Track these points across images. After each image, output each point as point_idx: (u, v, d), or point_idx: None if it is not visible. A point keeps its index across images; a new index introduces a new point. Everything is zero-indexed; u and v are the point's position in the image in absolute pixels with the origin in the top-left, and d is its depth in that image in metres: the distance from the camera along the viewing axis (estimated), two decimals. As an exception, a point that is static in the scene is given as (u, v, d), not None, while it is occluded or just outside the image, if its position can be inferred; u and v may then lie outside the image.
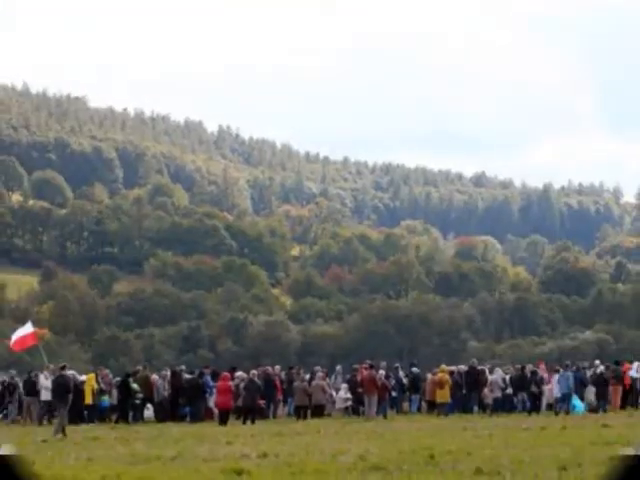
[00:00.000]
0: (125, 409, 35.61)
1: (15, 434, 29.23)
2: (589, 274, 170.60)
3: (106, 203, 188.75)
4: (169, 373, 37.41)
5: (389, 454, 18.80)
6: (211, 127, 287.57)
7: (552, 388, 36.30)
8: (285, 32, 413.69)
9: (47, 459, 19.81)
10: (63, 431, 27.06)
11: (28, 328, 38.35)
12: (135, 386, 35.59)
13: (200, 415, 35.21)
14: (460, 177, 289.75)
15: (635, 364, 39.25)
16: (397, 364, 42.47)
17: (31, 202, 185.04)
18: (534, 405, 36.16)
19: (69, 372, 30.67)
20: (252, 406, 33.34)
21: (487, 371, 38.71)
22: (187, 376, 36.97)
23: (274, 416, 36.50)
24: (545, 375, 38.10)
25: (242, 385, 34.13)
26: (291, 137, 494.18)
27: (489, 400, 36.77)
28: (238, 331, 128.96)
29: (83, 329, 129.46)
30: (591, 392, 36.48)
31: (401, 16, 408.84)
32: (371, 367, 36.20)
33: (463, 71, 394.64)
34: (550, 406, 36.68)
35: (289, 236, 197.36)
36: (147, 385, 36.17)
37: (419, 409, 38.58)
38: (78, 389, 33.24)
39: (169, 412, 36.02)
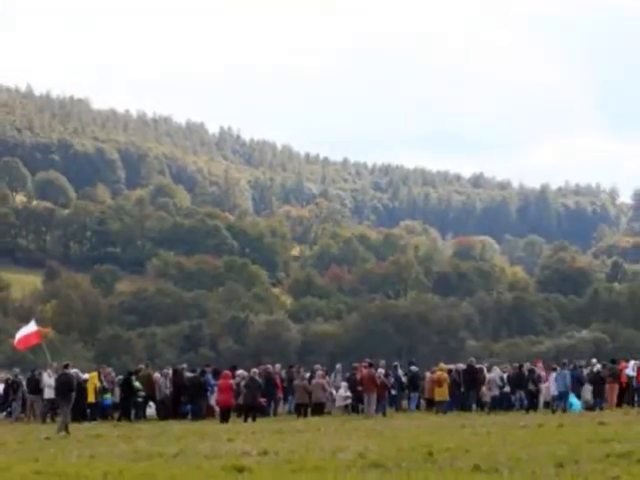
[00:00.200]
0: (127, 407, 35.61)
1: (19, 431, 29.24)
2: (586, 274, 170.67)
3: (109, 203, 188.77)
4: (171, 371, 37.42)
5: (388, 451, 18.81)
6: (212, 128, 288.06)
7: (549, 386, 36.31)
8: (285, 32, 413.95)
9: (50, 456, 19.82)
10: (66, 429, 27.05)
11: (32, 327, 38.30)
12: (137, 384, 35.58)
13: (201, 413, 35.22)
14: (458, 178, 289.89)
15: (631, 362, 39.25)
16: (396, 363, 42.47)
17: (35, 202, 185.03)
18: (531, 403, 36.18)
19: (72, 370, 30.68)
20: (253, 404, 33.35)
21: (485, 369, 38.72)
22: (189, 374, 36.96)
23: (275, 414, 36.50)
24: (542, 373, 38.12)
25: (243, 383, 34.14)
26: (291, 138, 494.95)
27: (487, 398, 36.77)
28: (239, 330, 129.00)
29: (86, 328, 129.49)
30: (588, 390, 36.47)
31: (401, 16, 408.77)
32: (370, 365, 36.20)
33: (461, 72, 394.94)
34: (547, 404, 36.70)
35: (289, 236, 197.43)
36: (149, 383, 36.17)
37: (418, 407, 38.57)
38: (81, 387, 33.22)
39: (171, 410, 36.03)
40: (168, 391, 36.31)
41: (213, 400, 35.40)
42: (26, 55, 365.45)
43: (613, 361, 39.66)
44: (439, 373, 36.50)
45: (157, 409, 36.67)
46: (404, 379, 39.05)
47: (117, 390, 36.32)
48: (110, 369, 39.92)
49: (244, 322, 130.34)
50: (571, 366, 37.86)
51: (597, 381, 36.39)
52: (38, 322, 43.53)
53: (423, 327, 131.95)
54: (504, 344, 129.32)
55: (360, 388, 35.71)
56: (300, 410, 35.37)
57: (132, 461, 18.46)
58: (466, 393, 37.67)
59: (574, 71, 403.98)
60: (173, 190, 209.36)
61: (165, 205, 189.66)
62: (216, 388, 34.82)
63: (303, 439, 23.04)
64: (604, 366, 38.13)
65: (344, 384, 37.44)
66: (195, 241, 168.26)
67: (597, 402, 35.80)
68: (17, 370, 41.58)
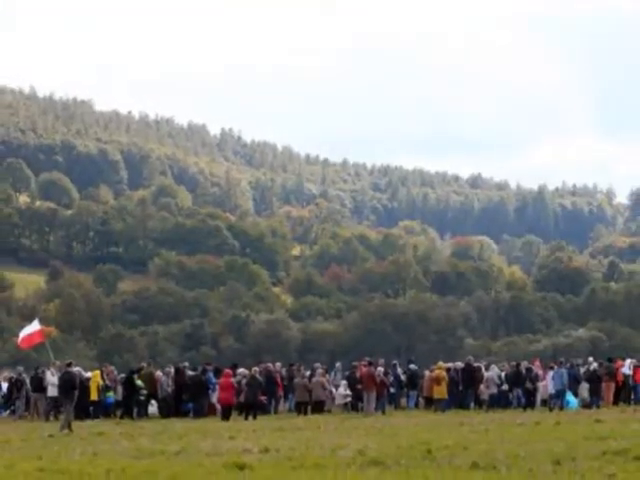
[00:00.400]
0: (130, 405, 35.61)
1: (22, 429, 29.25)
2: (583, 273, 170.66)
3: (111, 204, 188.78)
4: (173, 370, 37.41)
5: (387, 449, 18.81)
6: (214, 130, 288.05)
7: (546, 384, 36.30)
8: (285, 32, 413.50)
9: (54, 454, 19.82)
10: (69, 426, 27.05)
11: (35, 326, 38.31)
12: (139, 383, 35.58)
13: (203, 411, 35.22)
14: (457, 178, 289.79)
15: (627, 361, 39.29)
16: (395, 361, 42.45)
17: (38, 203, 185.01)
18: (529, 401, 36.17)
19: (75, 369, 30.65)
20: (254, 402, 33.35)
21: (483, 368, 38.71)
22: (190, 373, 36.96)
23: (275, 412, 36.50)
24: (540, 372, 38.11)
25: (244, 381, 34.14)
26: (292, 139, 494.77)
27: (485, 396, 36.78)
28: (240, 329, 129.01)
29: (89, 327, 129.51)
30: (584, 388, 36.47)
31: (401, 16, 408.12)
32: (370, 364, 36.20)
33: (460, 73, 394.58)
34: (544, 402, 36.69)
35: (290, 236, 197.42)
36: (151, 382, 36.17)
37: (417, 405, 38.58)
38: (84, 385, 33.22)
39: (173, 408, 36.04)
40: (170, 389, 36.31)
41: (214, 398, 35.41)
42: (29, 57, 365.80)
43: (610, 360, 39.68)
44: (438, 371, 36.50)
45: (159, 407, 36.66)
46: (403, 377, 39.06)
47: (119, 388, 36.32)
48: (112, 367, 39.93)
49: (245, 321, 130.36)
50: (568, 364, 37.85)
51: (594, 379, 36.39)
52: (41, 321, 43.62)
53: (422, 326, 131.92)
54: (502, 343, 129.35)
55: (360, 386, 35.71)
56: (300, 408, 35.38)
57: (134, 458, 18.47)
58: (464, 391, 37.67)
59: (571, 73, 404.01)
60: (175, 191, 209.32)
61: (167, 205, 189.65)
62: (217, 386, 34.82)
63: (303, 437, 23.05)
64: (601, 364, 38.13)
65: (344, 382, 37.46)
66: (197, 241, 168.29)
67: (594, 400, 35.80)
68: (21, 369, 41.57)
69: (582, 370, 38.00)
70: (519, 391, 36.52)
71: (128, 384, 35.65)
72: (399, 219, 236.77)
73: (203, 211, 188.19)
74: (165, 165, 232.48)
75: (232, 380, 33.96)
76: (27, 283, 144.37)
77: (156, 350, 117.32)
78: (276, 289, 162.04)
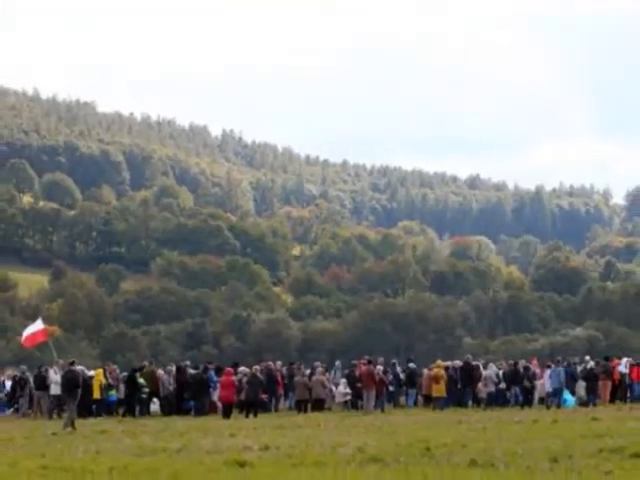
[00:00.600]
0: (132, 403, 35.61)
1: (26, 427, 29.25)
2: (580, 273, 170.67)
3: (114, 204, 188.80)
4: (174, 368, 37.41)
5: (386, 446, 18.81)
6: (215, 131, 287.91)
7: (544, 383, 36.30)
8: (285, 33, 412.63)
9: (57, 451, 19.83)
10: (72, 424, 27.04)
11: (38, 325, 38.33)
12: (142, 381, 35.59)
13: (204, 409, 35.21)
14: (455, 179, 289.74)
15: (624, 360, 39.31)
16: (394, 360, 42.42)
17: (41, 203, 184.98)
18: (526, 399, 36.16)
19: (78, 367, 30.65)
20: (254, 400, 33.35)
21: (481, 366, 38.69)
22: (192, 371, 36.96)
23: (276, 410, 36.50)
24: (537, 370, 38.11)
25: (245, 380, 34.14)
26: (292, 140, 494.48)
27: (483, 394, 36.76)
28: (241, 328, 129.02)
29: (91, 326, 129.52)
30: (581, 387, 36.48)
31: (400, 16, 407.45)
32: (369, 362, 36.21)
33: (459, 75, 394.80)
34: (542, 400, 36.69)
35: (290, 236, 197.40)
36: (153, 380, 36.17)
37: (415, 403, 38.58)
38: (87, 384, 33.22)
39: (174, 406, 36.03)
40: (172, 388, 36.32)
41: (216, 396, 35.41)
42: (33, 59, 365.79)
43: (606, 358, 39.72)
44: (436, 370, 36.50)
45: (161, 405, 36.66)
46: (402, 376, 39.05)
47: (122, 387, 36.33)
48: (115, 366, 39.94)
49: (246, 320, 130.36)
50: (565, 363, 37.86)
51: (590, 378, 36.40)
52: (45, 320, 43.57)
53: (421, 325, 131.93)
54: (500, 342, 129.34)
55: (359, 385, 35.73)
56: (300, 406, 35.39)
57: (137, 456, 18.47)
58: (462, 390, 37.68)
59: (568, 74, 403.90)
60: (177, 191, 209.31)
61: (169, 206, 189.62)
62: (218, 385, 34.84)
63: (303, 434, 23.05)
64: (597, 363, 38.16)
65: (343, 381, 37.46)
66: (198, 241, 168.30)
67: (590, 398, 35.81)
68: (24, 367, 41.59)
69: (579, 369, 38.02)
70: (517, 389, 36.51)
71: (130, 382, 35.66)
72: (398, 219, 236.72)
73: (204, 211, 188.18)
74: (167, 166, 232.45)
75: (233, 378, 33.97)
76: (30, 283, 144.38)
77: (158, 349, 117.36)
78: (277, 289, 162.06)
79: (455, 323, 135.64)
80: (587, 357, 41.33)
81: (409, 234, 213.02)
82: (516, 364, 37.88)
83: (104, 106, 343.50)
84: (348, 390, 36.75)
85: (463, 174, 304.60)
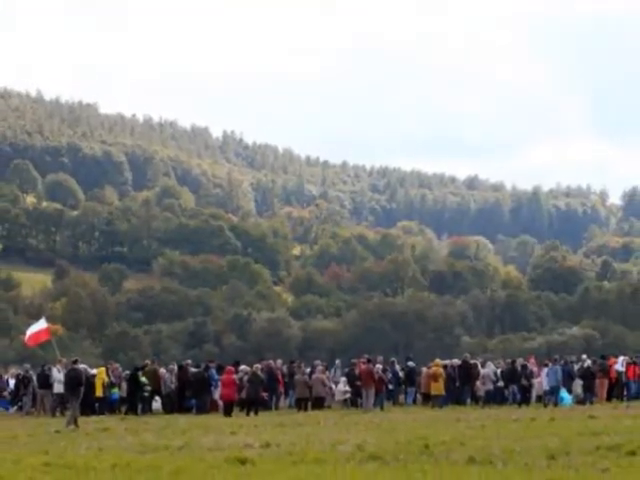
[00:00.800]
0: (134, 401, 35.61)
1: (29, 425, 29.24)
2: (576, 272, 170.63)
3: (116, 205, 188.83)
4: (176, 367, 37.42)
5: (386, 444, 18.81)
6: (216, 132, 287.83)
7: (541, 381, 36.30)
8: (285, 34, 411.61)
9: (60, 449, 19.83)
10: (75, 422, 27.04)
11: (42, 324, 38.35)
12: (144, 379, 35.59)
13: (206, 407, 35.20)
14: (453, 180, 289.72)
15: (620, 358, 39.28)
16: (393, 358, 42.37)
17: (44, 204, 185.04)
18: (524, 397, 36.15)
19: (81, 366, 30.64)
20: (255, 398, 33.34)
21: (479, 365, 38.67)
22: (193, 370, 36.96)
23: (276, 408, 36.50)
24: (535, 369, 38.10)
25: (246, 378, 34.13)
26: (292, 142, 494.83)
27: (481, 393, 36.76)
28: (242, 327, 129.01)
29: (94, 325, 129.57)
30: (578, 385, 36.47)
31: (400, 17, 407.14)
32: (369, 361, 36.20)
33: (456, 77, 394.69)
34: (539, 398, 36.69)
35: (290, 236, 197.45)
36: (155, 378, 36.16)
37: (414, 401, 38.55)
38: (89, 382, 33.19)
39: (176, 404, 36.03)
40: (173, 386, 36.32)
41: (217, 395, 35.41)
42: (36, 61, 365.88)
43: (603, 357, 39.69)
44: (435, 368, 36.49)
45: (163, 403, 36.66)
46: (401, 374, 39.02)
47: (124, 385, 36.32)
48: (117, 365, 39.95)
49: (247, 319, 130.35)
50: (562, 362, 37.85)
51: (587, 376, 36.39)
52: (48, 319, 43.62)
53: (419, 324, 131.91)
54: (498, 340, 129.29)
55: (359, 383, 35.72)
56: (301, 404, 35.38)
57: (139, 453, 18.47)
58: (461, 388, 37.66)
59: (565, 76, 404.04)
60: (178, 192, 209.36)
61: (170, 206, 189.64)
62: (220, 383, 34.83)
63: (304, 432, 23.04)
64: (594, 362, 38.14)
65: (343, 379, 37.44)
66: (199, 241, 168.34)
67: (587, 396, 35.80)
68: (28, 366, 41.61)
69: (576, 367, 38.01)
70: (514, 388, 36.50)
71: (132, 381, 35.66)
72: (397, 219, 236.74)
73: (206, 212, 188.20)
74: (169, 167, 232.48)
75: (234, 377, 33.97)
76: (34, 282, 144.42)
77: (160, 348, 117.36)
78: (277, 288, 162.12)
79: (453, 322, 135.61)
80: (584, 356, 41.30)
81: (408, 234, 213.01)
82: (514, 362, 37.88)
83: (106, 107, 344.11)
84: (348, 388, 36.74)
85: (461, 175, 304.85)
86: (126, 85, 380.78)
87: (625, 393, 37.82)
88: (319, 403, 35.52)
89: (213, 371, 36.55)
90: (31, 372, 38.81)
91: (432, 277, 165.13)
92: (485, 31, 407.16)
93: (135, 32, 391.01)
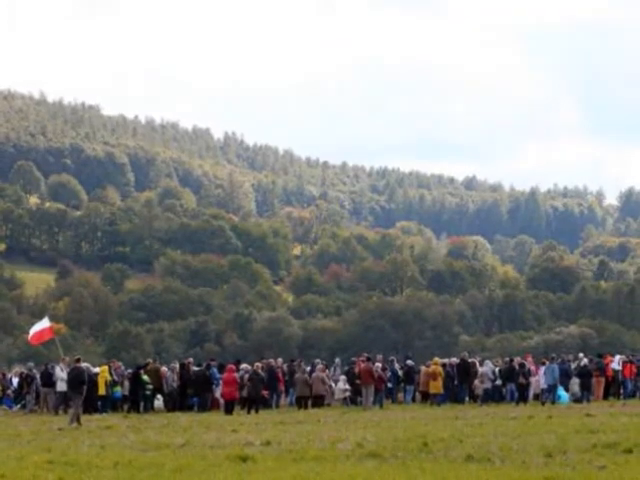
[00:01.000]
0: (136, 399, 35.59)
1: (33, 423, 29.23)
2: (573, 272, 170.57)
3: (118, 205, 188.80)
4: (178, 365, 37.42)
5: (385, 442, 18.81)
6: (217, 134, 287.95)
7: (539, 379, 36.29)
8: (285, 38, 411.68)
9: (63, 446, 19.82)
10: (78, 420, 27.03)
11: (45, 323, 38.35)
12: (146, 378, 35.56)
13: (207, 405, 35.21)
14: (452, 181, 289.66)
15: (617, 357, 39.29)
16: (392, 357, 42.39)
17: (48, 204, 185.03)
18: (522, 396, 36.11)
19: (83, 364, 30.64)
20: (256, 396, 33.35)
21: (477, 363, 38.65)
22: (195, 368, 36.95)
23: (277, 406, 36.48)
24: (532, 367, 38.06)
25: (247, 377, 34.12)
26: (292, 143, 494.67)
27: (479, 391, 36.74)
28: (243, 326, 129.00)
29: (97, 324, 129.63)
30: (575, 383, 36.46)
31: (400, 21, 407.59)
32: (368, 360, 36.20)
33: (456, 79, 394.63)
34: (537, 396, 36.68)
35: (291, 236, 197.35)
36: (157, 377, 36.14)
37: (413, 399, 38.52)
38: (92, 380, 33.17)
39: (178, 402, 36.03)
40: (175, 384, 36.32)
41: (218, 393, 35.39)
42: (39, 63, 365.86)
43: (599, 355, 39.71)
44: (434, 367, 36.49)
45: (165, 401, 36.64)
46: (400, 373, 38.99)
47: (127, 383, 36.28)
48: (120, 363, 39.91)
49: (248, 318, 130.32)
50: (559, 360, 37.85)
51: (584, 375, 36.38)
52: (51, 318, 43.62)
53: (418, 323, 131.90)
54: (495, 339, 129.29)
55: (358, 381, 35.70)
56: (301, 402, 35.36)
57: (141, 451, 18.47)
58: (459, 386, 37.65)
59: (562, 78, 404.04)
60: (180, 192, 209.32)
61: (172, 207, 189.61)
62: (221, 381, 34.80)
63: (304, 430, 23.05)
64: (591, 360, 38.15)
65: (343, 377, 37.41)
66: (201, 241, 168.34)
67: (584, 395, 35.79)
68: (31, 364, 41.63)
69: (573, 366, 38.00)
70: (512, 386, 36.48)
71: (135, 379, 35.64)
72: (396, 220, 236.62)
73: (207, 212, 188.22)
74: (170, 168, 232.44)
75: (235, 375, 33.94)
76: (37, 282, 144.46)
77: (162, 346, 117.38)
78: (278, 287, 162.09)
79: (452, 321, 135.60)
80: (581, 354, 41.30)
81: (407, 234, 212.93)
82: (511, 361, 37.86)
83: (109, 109, 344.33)
84: (347, 387, 36.72)
85: (460, 176, 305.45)
86: (128, 87, 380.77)
87: (621, 391, 37.84)
88: (319, 401, 35.50)
89: (214, 370, 36.54)
90: (34, 370, 38.80)
91: (431, 276, 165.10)
92: (482, 36, 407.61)
93: (137, 34, 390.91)
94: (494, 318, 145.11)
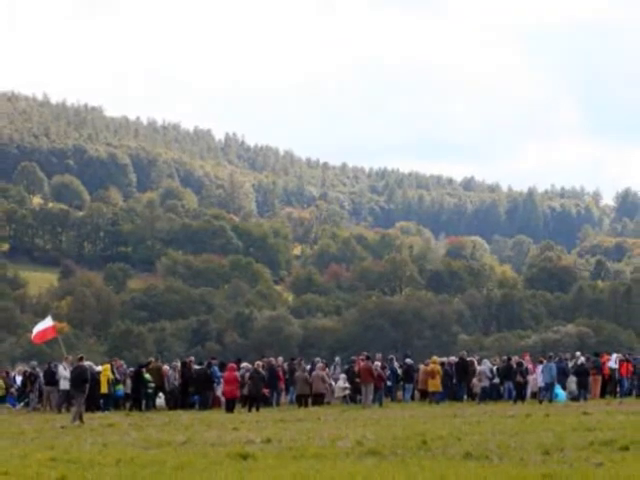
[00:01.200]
0: (138, 398, 35.60)
1: (36, 421, 29.24)
2: (571, 272, 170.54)
3: (121, 206, 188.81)
4: (179, 364, 37.42)
5: (384, 439, 18.81)
6: (218, 135, 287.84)
7: (536, 378, 36.29)
8: (286, 39, 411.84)
9: (66, 444, 19.82)
10: (80, 418, 27.03)
11: (48, 322, 38.37)
12: (148, 376, 35.58)
13: (208, 403, 35.23)
14: (450, 181, 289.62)
15: (613, 356, 39.30)
16: (392, 355, 42.42)
17: (51, 205, 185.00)
18: (519, 394, 36.12)
19: (86, 363, 30.62)
20: (257, 395, 33.35)
21: (476, 362, 38.66)
22: (196, 367, 36.97)
23: (277, 404, 36.48)
24: (530, 366, 38.08)
25: (247, 375, 34.14)
26: (293, 144, 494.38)
27: (477, 389, 36.74)
28: (244, 325, 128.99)
29: (99, 323, 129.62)
30: (572, 382, 36.45)
31: (399, 22, 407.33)
32: (367, 358, 36.20)
33: (454, 80, 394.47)
34: (534, 395, 36.68)
35: (291, 236, 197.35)
36: (159, 375, 36.17)
37: (412, 397, 38.54)
38: (94, 379, 33.16)
39: (179, 400, 36.04)
40: (177, 382, 36.32)
41: (219, 391, 35.40)
42: (43, 65, 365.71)
43: (596, 354, 39.72)
44: (432, 365, 36.49)
45: (166, 400, 36.66)
46: (399, 371, 39.02)
47: (129, 381, 36.29)
48: (122, 362, 39.90)
49: (248, 317, 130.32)
50: (557, 359, 37.86)
51: (581, 373, 36.38)
52: (54, 317, 43.61)
53: (417, 322, 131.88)
54: (494, 338, 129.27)
55: (358, 380, 35.72)
56: (301, 400, 35.37)
57: (143, 449, 18.47)
58: (458, 384, 37.66)
59: (559, 79, 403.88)
60: (181, 193, 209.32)
61: (174, 207, 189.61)
62: (222, 380, 34.81)
63: (304, 428, 23.04)
64: (588, 359, 38.15)
65: (343, 376, 37.42)
66: (202, 241, 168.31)
67: (581, 393, 35.79)
68: (34, 363, 41.61)
69: (570, 364, 38.01)
70: (510, 384, 36.48)
71: (137, 377, 35.65)
72: (395, 220, 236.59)
73: (208, 212, 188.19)
74: (172, 168, 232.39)
75: (236, 374, 33.94)
76: (40, 281, 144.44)
77: (163, 345, 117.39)
78: (278, 287, 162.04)
79: (450, 320, 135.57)
80: (578, 353, 41.30)
81: (406, 234, 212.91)
82: (509, 360, 37.86)
83: (111, 111, 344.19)
84: (347, 385, 36.72)
85: (458, 176, 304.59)
86: (128, 87, 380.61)
87: (618, 390, 37.83)
88: (319, 399, 35.51)
89: (215, 368, 36.56)
90: (38, 369, 38.80)
91: (430, 276, 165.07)
92: (482, 36, 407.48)
93: (137, 34, 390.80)
94: (492, 317, 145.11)
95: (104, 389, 35.11)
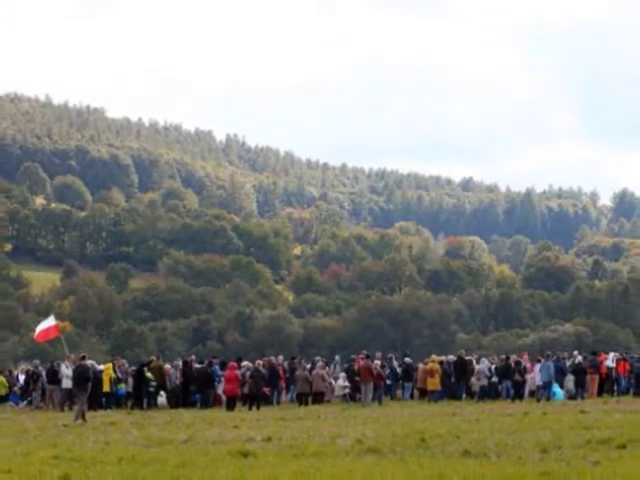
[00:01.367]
0: (140, 396, 35.59)
1: (38, 419, 29.24)
2: (568, 271, 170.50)
3: (122, 206, 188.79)
4: (181, 363, 37.42)
5: (384, 437, 18.81)
6: (219, 136, 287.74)
7: (534, 377, 36.29)
8: (286, 41, 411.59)
9: (68, 442, 19.83)
10: (83, 416, 27.03)
11: (51, 321, 38.36)
12: (149, 375, 35.58)
13: (209, 402, 35.23)
14: (449, 182, 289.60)
15: (611, 355, 39.28)
16: (391, 354, 42.42)
17: (53, 205, 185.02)
18: (517, 392, 36.11)
19: (88, 362, 30.63)
20: (257, 393, 33.35)
21: (474, 361, 38.66)
22: (197, 366, 36.96)
23: (278, 402, 36.49)
24: (528, 365, 38.07)
25: (248, 374, 34.15)
26: (293, 145, 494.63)
27: (476, 388, 36.74)
28: (244, 324, 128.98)
29: (101, 322, 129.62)
30: (570, 380, 36.45)
31: (399, 24, 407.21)
32: (367, 357, 36.21)
33: (453, 81, 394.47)
34: (532, 393, 36.68)
35: (291, 236, 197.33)
36: (160, 374, 36.17)
37: (411, 396, 38.54)
38: (97, 378, 33.16)
39: (181, 399, 36.04)
40: (178, 381, 36.32)
41: (220, 390, 35.40)
42: (45, 67, 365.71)
43: (594, 353, 39.71)
44: (431, 364, 36.49)
45: (168, 398, 36.65)
46: (398, 370, 39.02)
47: (130, 380, 36.30)
48: (124, 361, 39.92)
49: (249, 317, 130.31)
50: (554, 358, 37.84)
51: (579, 372, 36.38)
52: (56, 317, 43.61)
53: (416, 321, 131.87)
54: (492, 337, 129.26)
55: (357, 378, 35.72)
56: (301, 399, 35.37)
57: (144, 447, 18.47)
58: (456, 383, 37.66)
59: (557, 80, 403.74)
60: (183, 193, 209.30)
61: (175, 207, 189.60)
62: (223, 378, 34.81)
63: (304, 426, 23.05)
64: (585, 358, 38.14)
65: (342, 375, 37.43)
66: (203, 241, 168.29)
67: (579, 392, 35.79)
68: (37, 362, 41.60)
69: (568, 363, 37.98)
70: (508, 383, 36.48)
71: (138, 376, 35.65)
72: (395, 220, 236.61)
73: (209, 213, 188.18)
74: (173, 169, 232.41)
75: (237, 372, 33.95)
76: (43, 281, 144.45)
77: (165, 344, 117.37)
78: (278, 286, 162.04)
79: (449, 319, 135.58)
80: (575, 352, 41.26)
81: (405, 234, 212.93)
82: (508, 359, 37.85)
83: (113, 112, 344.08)
84: (347, 384, 36.72)
85: (457, 177, 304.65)
86: (128, 87, 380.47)
87: (615, 388, 37.81)
88: (319, 398, 35.51)
89: (216, 367, 36.56)
90: (40, 368, 38.80)
91: (428, 276, 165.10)
92: (482, 36, 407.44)
93: (137, 34, 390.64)
94: (490, 317, 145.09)
95: (106, 388, 35.12)
